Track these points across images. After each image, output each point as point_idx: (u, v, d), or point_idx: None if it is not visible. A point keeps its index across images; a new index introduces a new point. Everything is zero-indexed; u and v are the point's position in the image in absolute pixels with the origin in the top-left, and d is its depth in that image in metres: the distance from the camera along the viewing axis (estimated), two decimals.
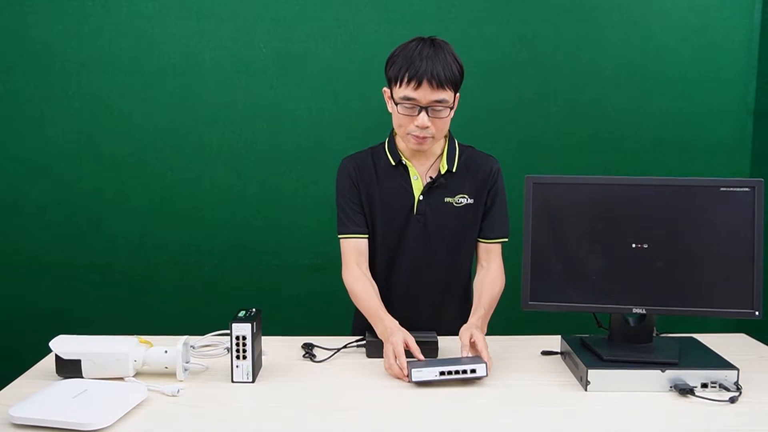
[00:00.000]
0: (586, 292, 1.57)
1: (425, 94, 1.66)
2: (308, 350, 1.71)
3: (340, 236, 1.86)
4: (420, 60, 1.65)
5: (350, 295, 1.83)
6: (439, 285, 1.90)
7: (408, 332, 1.63)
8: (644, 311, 1.56)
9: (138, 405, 1.38)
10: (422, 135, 1.72)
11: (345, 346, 1.74)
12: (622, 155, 2.64)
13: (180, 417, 1.36)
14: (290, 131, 2.58)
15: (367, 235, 1.86)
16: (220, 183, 2.61)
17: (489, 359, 1.54)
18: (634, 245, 1.55)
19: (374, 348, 1.68)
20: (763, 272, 1.52)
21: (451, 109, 1.72)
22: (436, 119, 1.70)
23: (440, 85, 1.66)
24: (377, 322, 1.71)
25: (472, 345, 1.60)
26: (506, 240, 1.90)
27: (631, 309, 1.56)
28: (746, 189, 1.52)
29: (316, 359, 1.68)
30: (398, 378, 1.55)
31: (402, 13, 2.53)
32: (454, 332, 1.70)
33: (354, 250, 1.84)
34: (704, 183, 1.55)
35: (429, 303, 1.89)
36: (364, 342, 1.72)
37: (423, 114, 1.68)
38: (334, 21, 2.52)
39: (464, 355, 1.59)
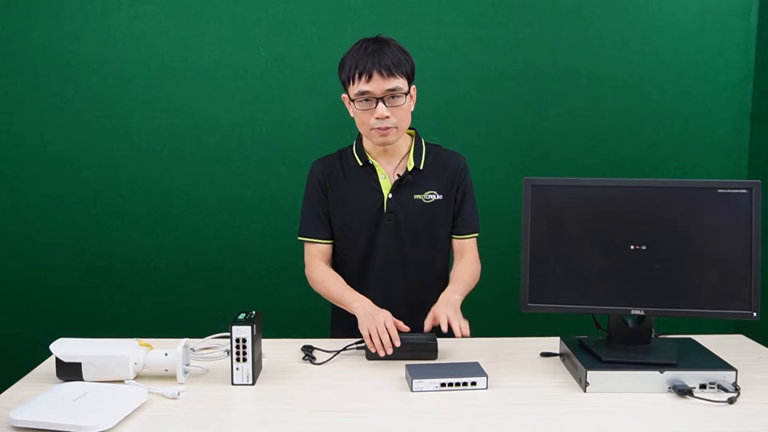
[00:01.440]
0: (584, 294, 1.58)
1: (378, 84, 1.73)
2: (308, 352, 1.72)
3: (300, 238, 1.94)
4: (366, 56, 1.75)
5: (315, 284, 1.90)
6: (415, 283, 1.92)
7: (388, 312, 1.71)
8: (642, 312, 1.56)
9: (138, 408, 1.38)
10: (384, 126, 1.77)
11: (345, 348, 1.74)
12: (621, 157, 2.65)
13: (180, 419, 1.36)
14: (289, 134, 2.59)
15: (329, 241, 1.93)
16: (219, 186, 2.61)
17: (463, 322, 1.62)
18: (632, 247, 1.55)
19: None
20: (761, 273, 1.52)
21: (406, 95, 1.78)
22: (395, 108, 1.77)
23: (390, 73, 1.73)
24: (353, 296, 1.78)
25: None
26: (477, 234, 1.95)
27: (630, 310, 1.56)
28: (744, 191, 1.53)
29: (316, 361, 1.68)
30: (378, 349, 1.63)
31: (400, 16, 2.54)
32: (435, 331, 1.72)
33: (318, 252, 1.93)
34: (702, 185, 1.55)
35: (405, 302, 1.89)
36: (363, 344, 1.72)
37: (380, 104, 1.75)
38: (333, 25, 2.53)
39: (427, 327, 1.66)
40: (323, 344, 1.78)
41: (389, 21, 2.53)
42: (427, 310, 1.80)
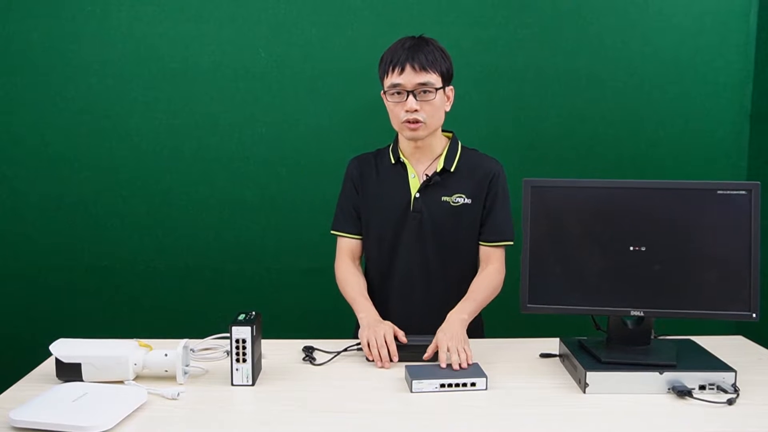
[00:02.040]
0: (584, 295, 1.58)
1: (409, 78, 1.75)
2: (308, 353, 1.72)
3: (333, 232, 1.97)
4: (402, 50, 1.78)
5: (338, 282, 1.92)
6: (437, 287, 1.90)
7: (393, 325, 1.72)
8: (642, 313, 1.56)
9: (138, 408, 1.38)
10: (413, 119, 1.78)
11: (345, 349, 1.74)
12: (620, 158, 2.64)
13: (180, 420, 1.36)
14: (289, 135, 2.58)
15: (358, 237, 1.95)
16: (219, 187, 2.61)
17: (462, 355, 1.59)
18: (632, 248, 1.55)
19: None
20: (760, 275, 1.52)
21: (438, 91, 1.78)
22: (425, 103, 1.78)
23: (423, 68, 1.75)
24: (362, 305, 1.81)
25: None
26: (510, 243, 1.90)
27: (629, 311, 1.56)
28: (743, 192, 1.53)
29: (316, 362, 1.68)
30: (377, 361, 1.65)
31: (401, 17, 2.54)
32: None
33: (347, 247, 1.96)
34: (701, 186, 1.56)
35: (426, 305, 1.89)
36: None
37: (410, 98, 1.77)
38: (332, 26, 2.53)
39: (443, 365, 1.60)
40: (324, 345, 1.78)
41: (389, 22, 2.53)
42: (446, 313, 1.78)
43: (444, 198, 1.86)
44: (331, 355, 1.71)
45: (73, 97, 2.54)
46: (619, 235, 1.56)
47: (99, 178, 2.58)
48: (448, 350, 1.61)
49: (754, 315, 1.52)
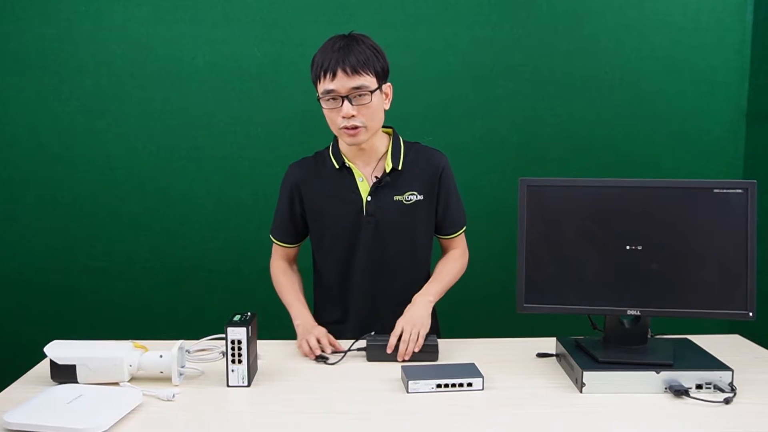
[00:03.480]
0: (580, 295, 1.58)
1: (342, 83, 1.69)
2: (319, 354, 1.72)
3: (270, 236, 1.98)
4: (332, 53, 1.70)
5: (274, 284, 1.94)
6: (398, 284, 1.88)
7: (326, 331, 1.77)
8: (639, 313, 1.56)
9: (133, 410, 1.38)
10: (351, 125, 1.73)
11: (349, 349, 1.73)
12: (616, 157, 2.65)
13: (175, 422, 1.36)
14: (285, 135, 2.58)
15: (294, 245, 1.97)
16: (214, 187, 2.60)
17: (412, 344, 1.65)
18: (628, 247, 1.55)
19: (375, 351, 1.69)
20: (757, 273, 1.52)
21: (373, 92, 1.73)
22: (362, 107, 1.72)
23: (355, 71, 1.69)
24: (298, 311, 1.83)
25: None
26: (465, 228, 1.94)
27: (626, 311, 1.56)
28: (739, 191, 1.53)
29: (330, 362, 1.68)
30: (306, 354, 1.70)
31: (396, 16, 2.53)
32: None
33: (282, 252, 1.98)
34: (698, 185, 1.55)
35: (388, 305, 1.86)
36: (364, 346, 1.71)
37: (346, 103, 1.71)
38: (328, 25, 2.52)
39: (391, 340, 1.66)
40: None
41: (384, 21, 2.53)
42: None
43: (396, 197, 1.84)
44: (339, 356, 1.70)
45: (67, 97, 2.53)
46: (615, 234, 1.56)
47: (94, 178, 2.58)
48: (402, 335, 1.66)
49: (750, 314, 1.52)
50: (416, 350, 1.65)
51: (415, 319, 1.71)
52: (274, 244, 1.98)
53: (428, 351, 1.68)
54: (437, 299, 1.82)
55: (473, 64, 2.58)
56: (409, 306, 1.76)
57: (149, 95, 2.54)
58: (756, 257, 1.52)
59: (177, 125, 2.56)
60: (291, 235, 1.94)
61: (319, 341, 1.71)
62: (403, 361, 1.66)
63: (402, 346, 1.66)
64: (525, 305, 1.59)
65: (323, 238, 1.90)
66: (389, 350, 1.66)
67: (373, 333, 1.73)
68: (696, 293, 1.55)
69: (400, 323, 1.70)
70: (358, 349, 1.73)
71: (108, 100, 2.54)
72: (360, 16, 2.53)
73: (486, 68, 2.59)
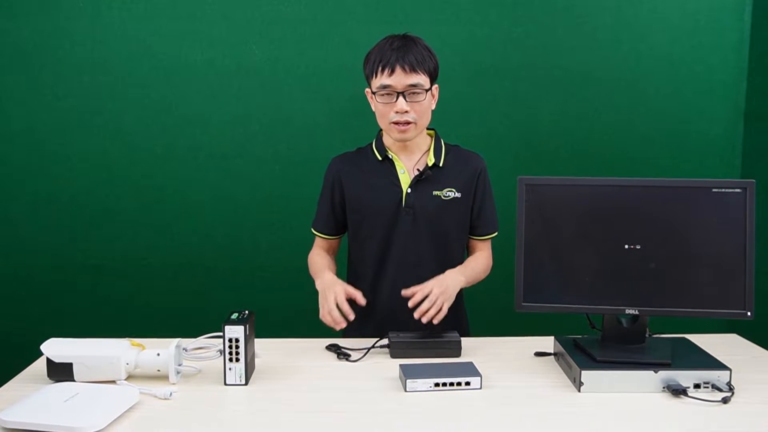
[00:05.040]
0: (579, 294, 1.58)
1: (399, 79, 1.76)
2: (336, 350, 1.72)
3: (312, 230, 2.00)
4: (391, 51, 1.77)
5: (309, 263, 1.97)
6: (430, 278, 1.88)
7: (346, 284, 1.76)
8: (637, 312, 1.56)
9: (130, 408, 1.37)
10: (403, 120, 1.79)
11: (373, 346, 1.73)
12: (615, 156, 2.64)
13: (172, 420, 1.35)
14: (283, 133, 2.58)
15: (334, 236, 1.99)
16: (212, 185, 2.60)
17: (433, 310, 1.65)
18: (626, 246, 1.55)
19: (399, 348, 1.70)
20: (755, 273, 1.52)
21: (427, 92, 1.80)
22: (415, 104, 1.79)
23: (413, 69, 1.76)
24: (318, 276, 1.84)
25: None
26: (495, 233, 1.98)
27: (624, 310, 1.56)
28: (738, 190, 1.53)
29: (351, 359, 1.69)
30: (331, 325, 1.68)
31: (394, 14, 2.53)
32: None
33: (323, 243, 2.01)
34: (696, 184, 1.55)
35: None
36: (387, 343, 1.72)
37: (401, 99, 1.77)
38: (326, 23, 2.52)
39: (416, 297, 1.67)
40: (346, 343, 1.77)
41: (383, 19, 2.52)
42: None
43: (435, 192, 1.88)
44: (361, 353, 1.71)
45: (65, 94, 2.53)
46: (613, 233, 1.56)
47: (91, 175, 2.57)
48: (427, 297, 1.68)
49: (749, 313, 1.52)
50: (435, 322, 1.66)
51: (444, 286, 1.72)
52: (316, 239, 2.02)
53: (450, 347, 1.69)
54: (465, 284, 1.83)
55: (471, 63, 2.57)
56: (441, 275, 1.77)
57: (147, 93, 2.54)
58: (754, 257, 1.52)
59: (174, 123, 2.56)
60: (330, 227, 1.98)
61: (339, 308, 1.69)
62: (425, 357, 1.66)
63: (426, 304, 1.67)
64: (523, 304, 1.59)
65: (361, 227, 1.93)
66: (411, 304, 1.67)
67: (397, 333, 1.75)
68: (694, 292, 1.55)
69: (431, 283, 1.71)
70: (381, 347, 1.73)
71: (105, 97, 2.53)
72: (358, 14, 2.52)
73: (483, 67, 2.59)
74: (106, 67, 2.52)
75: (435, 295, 1.68)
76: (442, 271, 1.88)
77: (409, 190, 1.87)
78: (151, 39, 2.51)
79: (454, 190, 1.88)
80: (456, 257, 1.93)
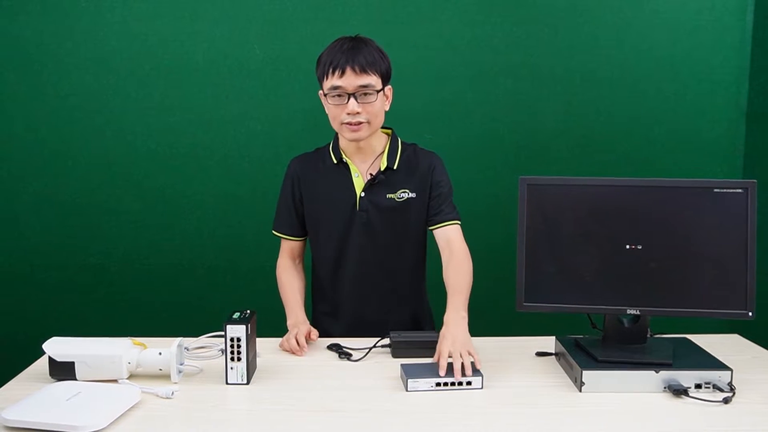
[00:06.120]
0: (580, 293, 1.58)
1: (350, 80, 1.75)
2: (338, 350, 1.73)
3: (273, 231, 2.00)
4: (342, 53, 1.76)
5: (278, 284, 1.96)
6: (389, 280, 1.93)
7: (314, 329, 1.80)
8: (638, 312, 1.56)
9: (132, 407, 1.37)
10: (355, 121, 1.78)
11: (375, 346, 1.74)
12: (616, 156, 2.64)
13: (174, 419, 1.35)
14: (284, 133, 2.58)
15: (298, 238, 1.98)
16: (214, 184, 2.60)
17: (467, 359, 1.53)
18: (627, 246, 1.55)
19: (400, 348, 1.70)
20: (756, 273, 1.52)
21: (379, 92, 1.79)
22: (366, 105, 1.78)
23: (363, 70, 1.75)
24: (291, 312, 1.87)
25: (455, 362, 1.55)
26: (459, 222, 1.89)
27: (625, 310, 1.56)
28: (739, 190, 1.53)
29: (353, 358, 1.69)
30: (289, 351, 1.74)
31: (395, 14, 2.53)
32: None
33: (287, 247, 1.99)
34: (698, 184, 1.55)
35: (378, 302, 1.93)
36: (388, 343, 1.72)
37: (352, 100, 1.76)
38: (327, 22, 2.52)
39: (450, 376, 1.52)
40: (348, 343, 1.77)
41: (384, 19, 2.52)
42: (404, 304, 1.94)
43: (389, 195, 1.88)
44: (362, 353, 1.71)
45: (66, 94, 2.53)
46: (615, 233, 1.56)
47: (93, 175, 2.57)
48: (450, 357, 1.55)
49: (750, 313, 1.52)
50: (468, 373, 1.52)
51: (452, 338, 1.60)
52: (281, 240, 2.00)
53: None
54: (466, 311, 1.73)
55: (472, 63, 2.57)
56: (444, 328, 1.66)
57: (148, 92, 2.54)
58: (755, 257, 1.52)
59: (176, 122, 2.56)
60: (294, 227, 1.97)
61: (298, 341, 1.74)
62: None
63: (457, 363, 1.52)
64: (524, 304, 1.59)
65: (318, 232, 1.94)
66: (441, 372, 1.53)
67: (397, 332, 1.75)
68: (695, 293, 1.55)
69: (446, 348, 1.56)
70: (383, 346, 1.74)
71: (107, 96, 2.54)
72: (360, 14, 2.52)
73: (485, 67, 2.59)
74: (107, 67, 2.52)
75: (456, 352, 1.55)
76: (398, 270, 1.93)
77: (362, 194, 1.87)
78: (153, 39, 2.51)
79: (407, 190, 1.89)
80: (413, 255, 1.94)
